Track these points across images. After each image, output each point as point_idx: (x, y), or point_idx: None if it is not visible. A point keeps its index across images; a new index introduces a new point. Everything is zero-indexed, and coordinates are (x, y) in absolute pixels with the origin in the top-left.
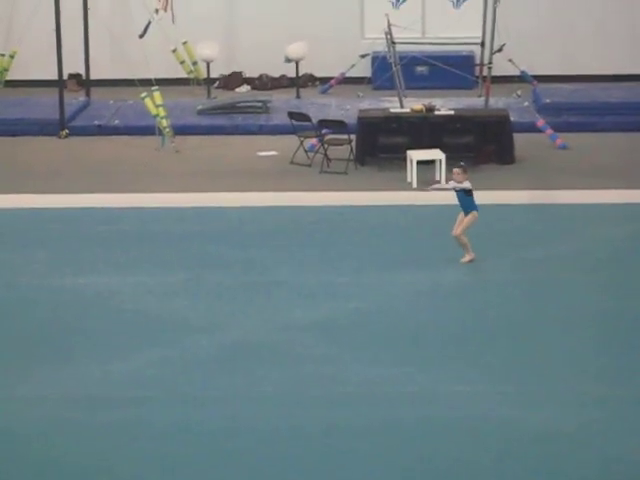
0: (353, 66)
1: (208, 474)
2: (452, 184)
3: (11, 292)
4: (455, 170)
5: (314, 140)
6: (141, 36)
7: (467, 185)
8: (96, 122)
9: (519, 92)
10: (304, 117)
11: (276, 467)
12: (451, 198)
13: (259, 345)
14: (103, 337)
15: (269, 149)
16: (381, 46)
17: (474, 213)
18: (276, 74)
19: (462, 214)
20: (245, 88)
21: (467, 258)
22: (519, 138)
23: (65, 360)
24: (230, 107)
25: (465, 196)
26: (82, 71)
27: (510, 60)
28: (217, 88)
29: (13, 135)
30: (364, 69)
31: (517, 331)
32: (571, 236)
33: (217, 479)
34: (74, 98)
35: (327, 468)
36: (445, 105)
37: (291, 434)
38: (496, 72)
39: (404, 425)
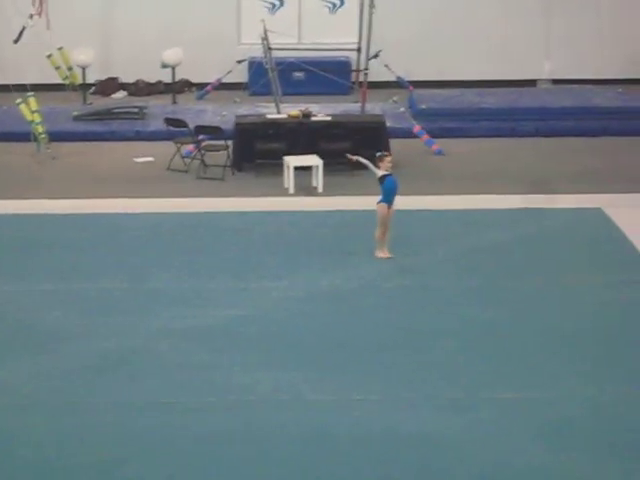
0: (230, 72)
1: None
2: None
3: None
4: (386, 158)
5: (191, 146)
6: (15, 41)
7: (379, 172)
8: None
9: (395, 98)
10: (181, 123)
11: (160, 473)
12: (328, 204)
13: (137, 352)
14: None
15: (146, 155)
16: (258, 52)
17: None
18: (152, 80)
19: (384, 207)
20: (121, 94)
21: (383, 253)
22: (396, 143)
23: None
24: (106, 113)
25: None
26: None
27: (386, 66)
28: (93, 94)
29: None
30: (241, 75)
31: (393, 337)
32: (448, 242)
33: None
34: None
35: (198, 476)
36: (322, 111)
37: (167, 441)
38: (372, 78)
39: (278, 432)
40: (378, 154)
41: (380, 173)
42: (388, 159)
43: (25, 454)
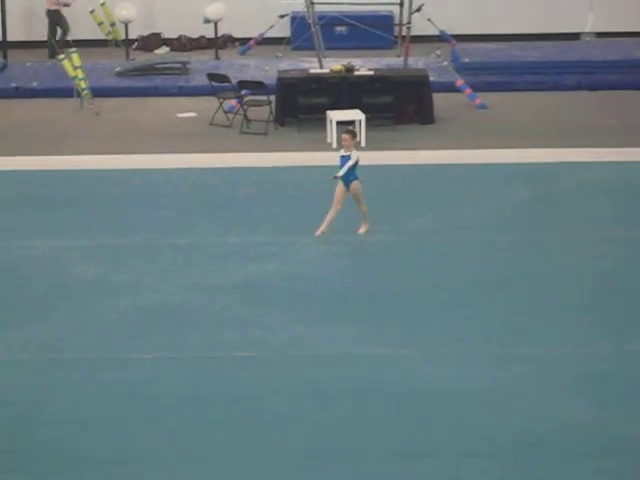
0: (272, 26)
1: (127, 437)
2: (347, 166)
3: None
4: (344, 136)
5: (233, 101)
6: None
7: (355, 158)
8: (13, 84)
9: (438, 52)
10: (223, 78)
11: (197, 430)
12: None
13: (180, 307)
14: (22, 301)
15: (188, 110)
16: (300, 6)
17: (356, 182)
18: (195, 35)
19: (341, 187)
20: (164, 49)
21: (323, 227)
22: (438, 98)
23: None
24: (149, 69)
25: (352, 166)
26: None
27: (429, 19)
28: (136, 50)
29: None
30: (283, 29)
31: (437, 293)
32: (491, 196)
33: (136, 442)
34: None
35: (248, 430)
36: (364, 65)
37: (212, 397)
38: (415, 32)
39: (324, 387)
40: (350, 129)
41: (356, 157)
42: (343, 137)
43: (62, 409)
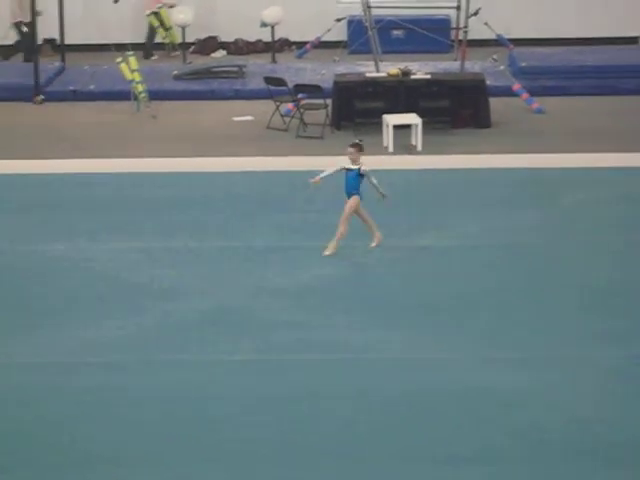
0: (329, 30)
1: (182, 441)
2: (341, 166)
3: None
4: (349, 149)
5: (290, 105)
6: (116, 1)
7: (364, 168)
8: (71, 87)
9: (495, 56)
10: (280, 82)
11: (251, 434)
12: (426, 163)
13: (234, 311)
14: (78, 303)
15: (245, 114)
16: (357, 10)
17: (356, 197)
18: (252, 39)
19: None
20: (221, 53)
21: (376, 241)
22: (495, 102)
23: (40, 326)
24: (206, 72)
25: (357, 177)
26: (57, 36)
27: (486, 24)
28: (192, 53)
29: None
30: (340, 33)
31: (499, 296)
32: (548, 200)
33: (190, 446)
34: (49, 63)
35: (303, 434)
36: (421, 69)
37: (265, 400)
38: (472, 36)
39: (383, 391)
40: (357, 141)
41: (365, 168)
42: (349, 150)
43: (117, 411)
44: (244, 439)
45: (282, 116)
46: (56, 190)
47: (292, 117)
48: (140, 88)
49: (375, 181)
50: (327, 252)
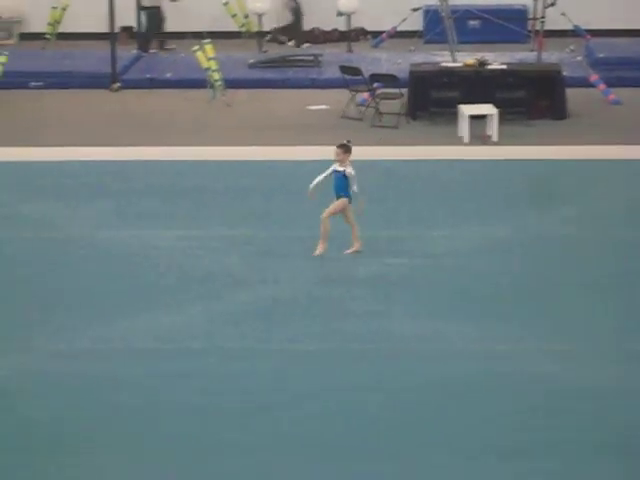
0: (405, 20)
1: (247, 427)
2: (332, 168)
3: (58, 245)
4: (337, 150)
5: (366, 94)
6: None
7: (349, 171)
8: (148, 75)
9: (572, 46)
10: (356, 71)
11: (317, 424)
12: (502, 153)
13: (305, 300)
14: (149, 291)
15: (320, 103)
16: (433, 0)
17: (344, 200)
18: (328, 28)
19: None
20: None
21: (319, 249)
22: (572, 93)
23: (112, 314)
24: (282, 61)
25: (343, 179)
26: (134, 24)
27: (563, 14)
28: (268, 42)
29: (65, 87)
30: (416, 23)
31: (566, 288)
32: (624, 192)
33: (256, 433)
34: (126, 51)
35: (370, 424)
36: (497, 59)
37: (333, 390)
38: (549, 26)
39: (450, 381)
40: (345, 142)
41: (351, 171)
42: (336, 152)
43: (190, 398)
44: (303, 427)
45: (357, 105)
46: (131, 177)
47: (367, 106)
48: (216, 76)
49: (355, 188)
50: (317, 252)
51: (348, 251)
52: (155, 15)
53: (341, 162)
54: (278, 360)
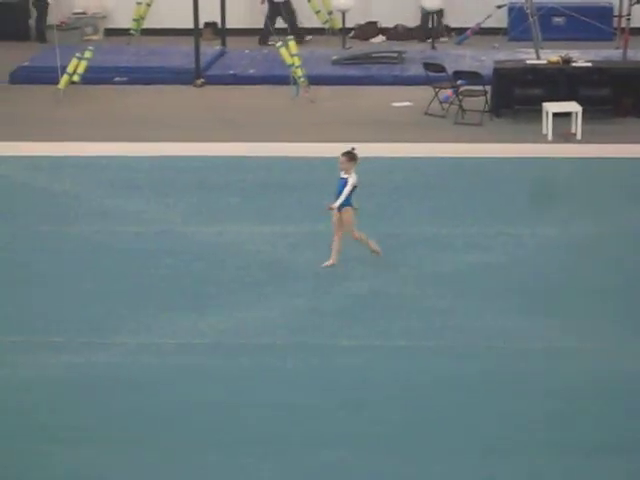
0: (489, 17)
1: (330, 423)
2: (350, 182)
3: (144, 241)
4: (341, 158)
5: (449, 91)
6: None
7: (352, 180)
8: (231, 71)
9: None
10: (439, 68)
11: (402, 418)
12: (586, 151)
13: (388, 296)
14: (235, 285)
15: (403, 100)
16: None
17: (348, 209)
18: (411, 24)
19: (336, 212)
20: (380, 38)
21: (374, 250)
22: None
23: (197, 308)
24: (365, 57)
25: (345, 187)
26: (218, 20)
27: None
28: (352, 38)
29: (149, 83)
30: (500, 20)
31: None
32: None
33: (339, 428)
34: (210, 47)
35: (453, 419)
36: (582, 57)
37: (418, 385)
38: (635, 23)
39: (531, 379)
40: (350, 150)
41: (354, 180)
42: (340, 160)
43: (271, 393)
44: (386, 422)
45: (441, 102)
46: (214, 173)
47: (451, 103)
48: (299, 72)
49: (342, 198)
50: (326, 264)
51: (327, 264)
52: (286, 7)
53: (346, 170)
54: (360, 355)
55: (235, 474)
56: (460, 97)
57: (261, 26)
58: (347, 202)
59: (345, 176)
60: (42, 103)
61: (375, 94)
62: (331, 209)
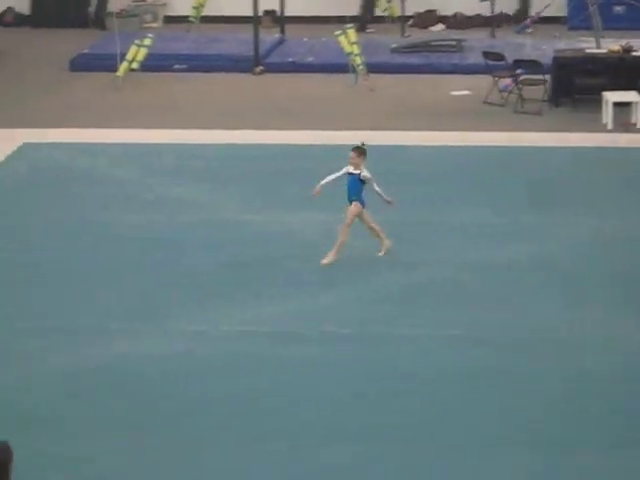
0: (548, 5)
1: (381, 413)
2: (345, 170)
3: (201, 229)
4: (351, 153)
5: (508, 80)
6: None
7: (365, 174)
8: (290, 59)
9: None
10: (499, 57)
11: (462, 407)
12: None
13: (443, 285)
14: (292, 274)
15: (462, 88)
16: None
17: (356, 204)
18: (471, 13)
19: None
20: (439, 27)
21: (383, 249)
22: None
23: (254, 296)
24: (424, 46)
25: (357, 183)
26: (277, 8)
27: None
28: (411, 26)
29: (208, 71)
30: (560, 9)
31: None
32: None
33: (394, 416)
34: (269, 35)
35: (507, 410)
36: None
37: (474, 375)
38: None
39: (584, 371)
40: (360, 144)
41: (367, 174)
42: (351, 155)
43: (328, 383)
44: (428, 411)
45: (500, 91)
46: (273, 161)
47: (510, 92)
48: (358, 60)
49: (377, 188)
50: (325, 261)
51: (381, 253)
52: None
53: (356, 165)
54: (421, 345)
55: (295, 462)
56: (519, 86)
57: (320, 14)
58: (359, 198)
59: (355, 172)
60: (101, 90)
61: (434, 82)
62: (389, 203)
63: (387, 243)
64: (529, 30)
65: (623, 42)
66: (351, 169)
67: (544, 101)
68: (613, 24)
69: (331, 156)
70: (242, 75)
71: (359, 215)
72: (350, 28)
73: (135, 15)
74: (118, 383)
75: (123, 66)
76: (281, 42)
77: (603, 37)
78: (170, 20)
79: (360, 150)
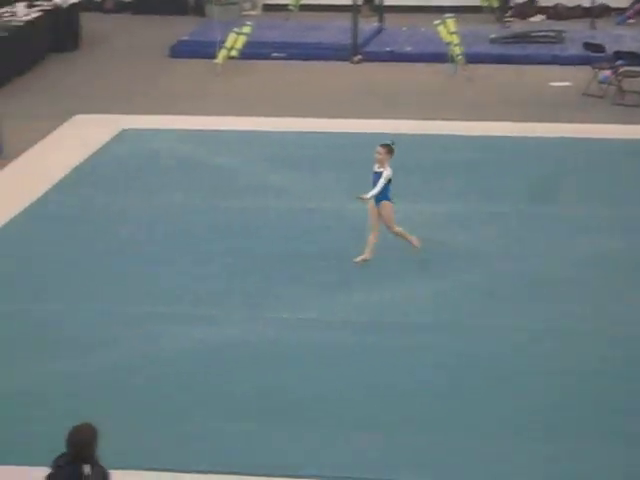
0: None
1: (473, 401)
2: (384, 175)
3: (296, 217)
4: (378, 149)
5: (608, 72)
6: None
7: (387, 173)
8: (388, 48)
9: None
10: (599, 48)
11: (547, 399)
12: None
13: (533, 277)
14: (383, 265)
15: (562, 80)
16: None
17: (386, 204)
18: (571, 4)
19: (372, 207)
20: (539, 17)
21: (414, 244)
22: None
23: (342, 286)
24: (523, 36)
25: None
26: None
27: None
28: (511, 17)
29: (306, 59)
30: None
31: None
32: None
33: (479, 406)
34: (367, 24)
35: (600, 403)
36: None
37: (561, 370)
38: None
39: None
40: (388, 142)
41: (389, 173)
42: (377, 150)
43: (423, 371)
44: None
45: (599, 83)
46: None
47: (609, 84)
48: (457, 50)
49: (375, 192)
50: (359, 259)
51: (358, 259)
52: None
53: (381, 163)
54: (514, 338)
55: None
56: (619, 78)
57: (419, 4)
58: (385, 197)
59: (379, 170)
60: (201, 77)
61: (533, 73)
62: (362, 200)
63: (368, 254)
64: (630, 21)
65: None
66: (375, 167)
67: None
68: None
69: (431, 146)
70: (340, 64)
71: (380, 212)
72: (450, 18)
73: (234, 3)
74: (217, 366)
75: (222, 53)
76: (379, 31)
77: None
78: (269, 8)
79: (388, 148)
